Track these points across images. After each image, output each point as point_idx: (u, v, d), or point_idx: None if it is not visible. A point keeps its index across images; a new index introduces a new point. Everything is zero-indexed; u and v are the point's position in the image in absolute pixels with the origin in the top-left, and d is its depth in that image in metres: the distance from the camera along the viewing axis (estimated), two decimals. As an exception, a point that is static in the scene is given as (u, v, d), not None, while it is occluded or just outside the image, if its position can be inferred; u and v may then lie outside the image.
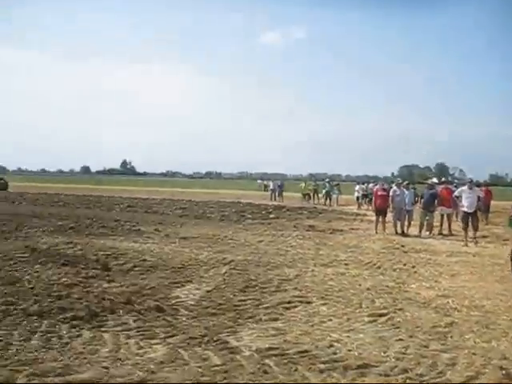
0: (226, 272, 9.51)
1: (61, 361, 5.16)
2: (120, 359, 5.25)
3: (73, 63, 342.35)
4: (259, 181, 70.39)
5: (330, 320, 6.75)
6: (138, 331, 6.15)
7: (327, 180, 38.48)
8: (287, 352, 5.44)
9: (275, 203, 34.35)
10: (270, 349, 5.53)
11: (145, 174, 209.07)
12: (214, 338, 5.84)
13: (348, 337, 6.05)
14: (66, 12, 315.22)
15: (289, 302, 7.53)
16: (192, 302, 7.53)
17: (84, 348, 5.57)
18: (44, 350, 5.49)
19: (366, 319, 6.81)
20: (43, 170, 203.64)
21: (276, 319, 6.74)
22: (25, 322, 6.37)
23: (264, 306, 7.36)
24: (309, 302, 7.59)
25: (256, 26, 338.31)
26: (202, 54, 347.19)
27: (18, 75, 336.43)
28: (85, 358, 5.26)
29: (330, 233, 17.14)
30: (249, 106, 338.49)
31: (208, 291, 8.18)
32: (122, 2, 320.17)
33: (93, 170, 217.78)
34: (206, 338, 5.84)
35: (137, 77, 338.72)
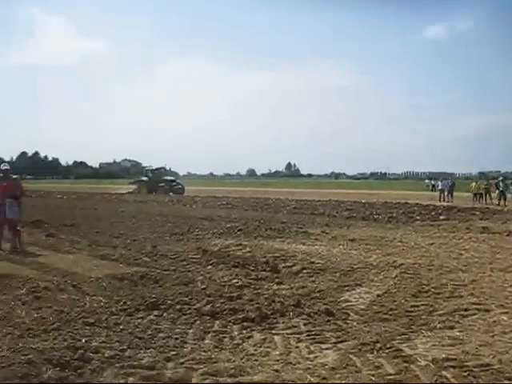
0: (396, 276, 9.17)
1: (233, 361, 5.25)
2: (291, 363, 5.23)
3: (237, 70, 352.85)
4: (427, 180, 68.15)
5: (513, 331, 6.23)
6: (309, 335, 6.11)
7: (501, 178, 36.26)
8: (466, 364, 5.07)
9: (445, 204, 32.94)
10: (447, 359, 5.18)
11: (309, 175, 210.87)
12: (387, 345, 5.61)
13: (536, 351, 5.52)
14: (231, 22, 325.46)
15: (465, 310, 7.05)
16: (362, 307, 7.36)
17: (255, 350, 5.63)
18: (217, 349, 5.64)
19: (557, 332, 6.17)
20: (211, 174, 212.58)
21: (452, 327, 6.34)
22: (198, 321, 6.62)
23: (438, 312, 6.97)
24: (487, 310, 7.06)
25: (417, 22, 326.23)
26: (362, 53, 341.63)
27: (186, 82, 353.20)
28: (256, 360, 5.30)
29: (507, 235, 15.94)
30: (413, 103, 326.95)
31: (378, 295, 7.95)
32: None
33: (258, 172, 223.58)
34: (379, 345, 5.62)
35: (299, 80, 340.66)
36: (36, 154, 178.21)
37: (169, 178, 56.88)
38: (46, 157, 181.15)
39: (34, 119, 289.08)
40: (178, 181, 57.63)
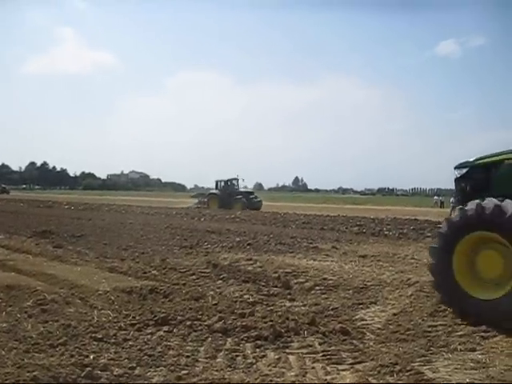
0: (412, 294, 8.88)
1: (247, 382, 5.04)
2: (308, 385, 5.03)
3: (246, 84, 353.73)
4: (435, 197, 67.85)
5: (540, 355, 5.95)
6: (324, 355, 5.88)
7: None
8: (492, 390, 4.85)
9: (455, 221, 32.52)
10: (471, 384, 4.97)
11: (317, 190, 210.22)
12: (407, 368, 5.36)
13: None
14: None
15: (485, 331, 6.77)
16: (378, 326, 7.13)
17: (270, 370, 5.41)
18: (230, 369, 5.43)
19: None
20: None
21: (473, 349, 6.07)
22: (210, 338, 6.40)
23: (457, 333, 6.70)
24: (508, 333, 6.78)
25: (429, 37, 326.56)
26: (368, 66, 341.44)
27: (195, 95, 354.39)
28: (271, 381, 5.10)
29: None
30: (423, 121, 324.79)
31: (394, 314, 7.70)
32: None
33: (265, 187, 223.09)
34: (398, 367, 5.37)
35: (304, 96, 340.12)
36: (44, 164, 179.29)
37: (247, 189, 50.90)
38: (54, 167, 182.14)
39: (43, 128, 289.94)
40: (255, 194, 51.61)
